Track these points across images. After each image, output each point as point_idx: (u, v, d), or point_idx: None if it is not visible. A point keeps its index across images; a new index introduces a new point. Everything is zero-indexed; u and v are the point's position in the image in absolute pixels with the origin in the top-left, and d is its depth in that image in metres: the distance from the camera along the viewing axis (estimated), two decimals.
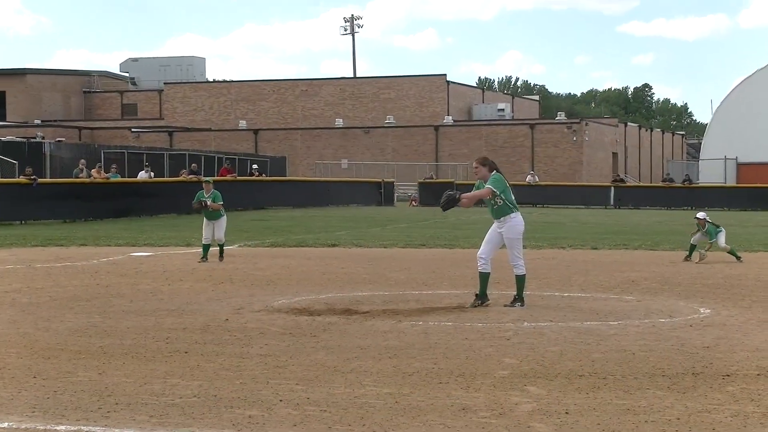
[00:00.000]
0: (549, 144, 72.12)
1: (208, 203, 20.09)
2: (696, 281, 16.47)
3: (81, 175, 37.57)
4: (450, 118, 77.64)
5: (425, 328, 11.24)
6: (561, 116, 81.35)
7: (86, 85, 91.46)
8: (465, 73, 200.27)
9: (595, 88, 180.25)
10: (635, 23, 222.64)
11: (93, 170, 38.19)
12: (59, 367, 8.90)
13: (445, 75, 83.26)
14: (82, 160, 39.36)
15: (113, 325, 11.43)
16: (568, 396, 7.81)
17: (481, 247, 13.14)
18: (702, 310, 12.77)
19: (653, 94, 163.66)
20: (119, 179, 39.85)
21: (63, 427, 6.87)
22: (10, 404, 7.52)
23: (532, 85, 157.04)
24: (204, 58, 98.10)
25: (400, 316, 12.13)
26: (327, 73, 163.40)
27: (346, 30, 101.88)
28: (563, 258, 21.24)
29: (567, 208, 53.55)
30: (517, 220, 13.01)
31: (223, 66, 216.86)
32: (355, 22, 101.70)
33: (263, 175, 51.56)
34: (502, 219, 12.97)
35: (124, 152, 48.28)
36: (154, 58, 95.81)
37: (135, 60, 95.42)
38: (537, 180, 60.17)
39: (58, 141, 51.54)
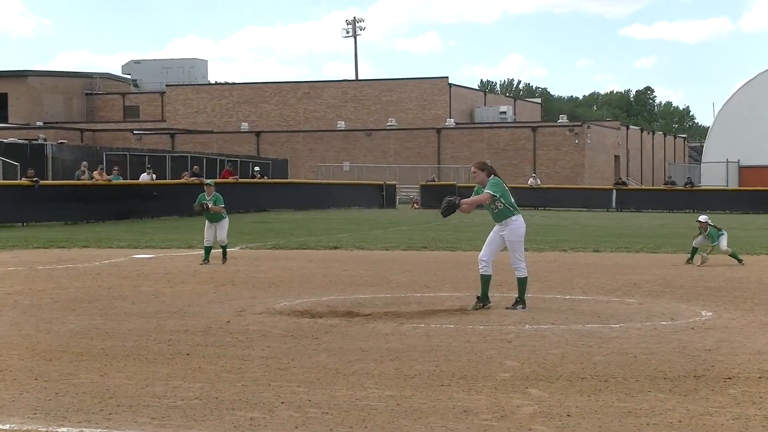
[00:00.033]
0: (551, 147, 72.10)
1: (210, 206, 20.10)
2: (698, 284, 16.47)
3: (83, 177, 37.57)
4: (452, 120, 77.63)
5: (427, 330, 11.24)
6: (563, 119, 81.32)
7: (88, 87, 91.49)
8: (467, 76, 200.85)
9: (597, 91, 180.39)
10: (637, 26, 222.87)
11: (95, 172, 38.19)
12: (61, 369, 8.90)
13: (447, 78, 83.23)
14: (84, 162, 39.35)
15: (115, 327, 11.44)
16: (569, 398, 7.81)
17: (483, 250, 13.17)
18: (704, 313, 12.76)
19: (655, 97, 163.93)
20: (121, 181, 39.86)
21: (64, 429, 6.87)
22: (11, 406, 7.53)
23: (534, 88, 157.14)
24: (206, 61, 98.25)
25: (401, 318, 12.13)
26: (329, 76, 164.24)
27: (348, 32, 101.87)
28: (565, 261, 21.24)
29: (569, 211, 53.55)
30: (518, 222, 13.03)
31: (225, 68, 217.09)
32: (357, 24, 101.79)
33: (265, 177, 51.56)
34: (503, 222, 12.99)
35: (126, 154, 48.29)
36: (156, 60, 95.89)
37: (137, 62, 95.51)
38: (539, 183, 60.13)
39: (60, 143, 51.57)
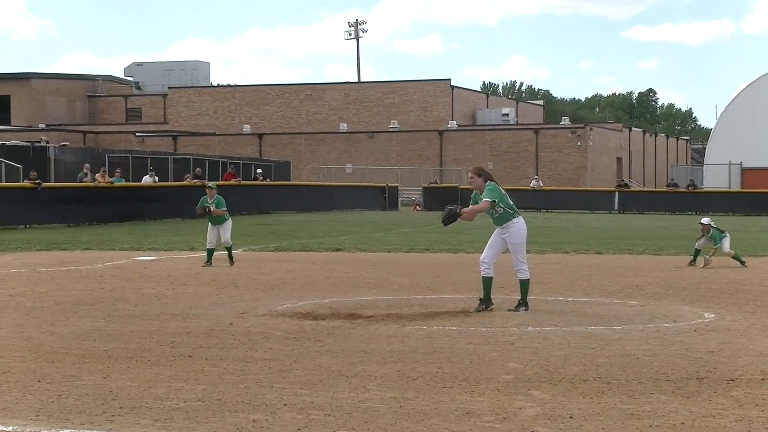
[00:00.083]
0: (553, 149, 72.10)
1: (212, 209, 20.10)
2: (700, 286, 16.46)
3: (85, 179, 37.60)
4: (454, 122, 77.66)
5: (429, 332, 11.25)
6: (565, 121, 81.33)
7: (91, 89, 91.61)
8: (469, 77, 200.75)
9: (599, 93, 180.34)
10: (640, 28, 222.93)
11: (97, 174, 38.22)
12: (63, 371, 8.90)
13: (449, 80, 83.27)
14: (87, 165, 39.37)
15: (117, 329, 11.44)
16: (572, 400, 7.80)
17: (484, 252, 13.20)
18: (706, 315, 12.76)
19: (658, 99, 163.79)
20: (123, 183, 39.88)
21: (67, 431, 6.87)
22: (14, 408, 7.53)
23: (536, 90, 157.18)
24: (208, 63, 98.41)
25: (404, 320, 12.14)
26: (331, 78, 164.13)
27: (350, 35, 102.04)
28: (567, 263, 21.23)
29: (571, 213, 53.54)
30: (519, 224, 13.06)
31: (228, 70, 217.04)
32: (359, 26, 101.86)
33: (267, 179, 51.57)
34: (504, 225, 13.03)
35: (128, 156, 48.30)
36: (158, 62, 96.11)
37: (140, 64, 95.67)
38: (541, 185, 60.12)
39: (63, 145, 51.59)
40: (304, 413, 7.37)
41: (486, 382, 8.47)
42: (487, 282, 12.98)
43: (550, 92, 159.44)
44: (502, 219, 13.00)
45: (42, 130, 74.36)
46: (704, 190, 63.01)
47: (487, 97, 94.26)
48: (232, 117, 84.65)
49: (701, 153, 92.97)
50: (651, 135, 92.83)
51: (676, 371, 8.96)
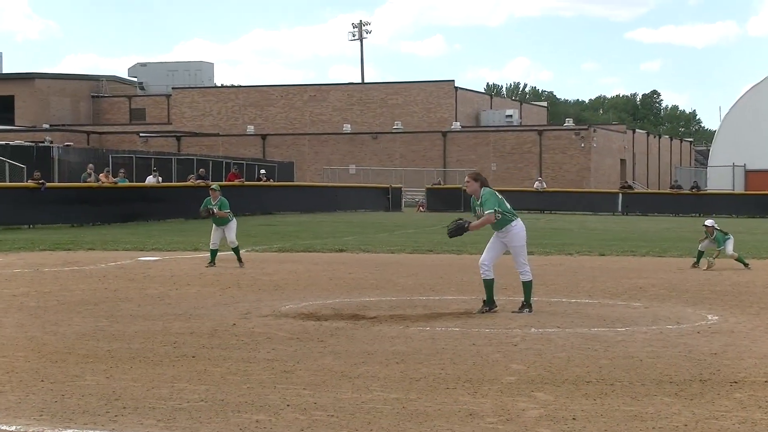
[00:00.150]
0: (557, 150, 72.08)
1: (215, 211, 20.11)
2: (704, 288, 16.45)
3: (89, 179, 37.62)
4: (458, 124, 77.65)
5: (432, 333, 11.25)
6: (569, 123, 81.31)
7: (95, 89, 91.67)
8: (473, 79, 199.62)
9: (603, 94, 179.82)
10: (643, 30, 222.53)
11: (101, 175, 38.23)
12: (67, 371, 8.91)
13: (453, 81, 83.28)
14: (90, 165, 39.39)
15: (121, 329, 11.45)
16: (575, 402, 7.80)
17: (483, 254, 13.24)
18: (710, 317, 12.75)
19: (661, 100, 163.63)
20: (127, 184, 39.91)
21: (70, 431, 6.88)
22: (17, 408, 7.54)
23: (540, 91, 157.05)
24: (212, 63, 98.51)
25: (407, 321, 12.14)
26: (335, 79, 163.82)
27: (354, 36, 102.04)
28: (571, 264, 21.23)
29: (575, 215, 53.51)
30: (518, 227, 13.12)
31: (231, 71, 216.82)
32: (363, 27, 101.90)
33: (271, 180, 51.60)
34: (504, 230, 13.08)
35: (132, 157, 48.36)
36: (162, 63, 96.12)
37: (143, 65, 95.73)
38: (545, 186, 60.06)
39: (67, 145, 51.67)
40: (307, 414, 7.38)
41: (489, 384, 8.47)
42: (489, 284, 13.01)
43: (554, 94, 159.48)
44: (501, 224, 13.04)
45: (46, 130, 74.42)
46: (708, 191, 62.95)
47: (491, 98, 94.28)
48: (236, 118, 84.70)
49: (705, 155, 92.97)
50: (655, 137, 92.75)
51: (679, 373, 8.96)
